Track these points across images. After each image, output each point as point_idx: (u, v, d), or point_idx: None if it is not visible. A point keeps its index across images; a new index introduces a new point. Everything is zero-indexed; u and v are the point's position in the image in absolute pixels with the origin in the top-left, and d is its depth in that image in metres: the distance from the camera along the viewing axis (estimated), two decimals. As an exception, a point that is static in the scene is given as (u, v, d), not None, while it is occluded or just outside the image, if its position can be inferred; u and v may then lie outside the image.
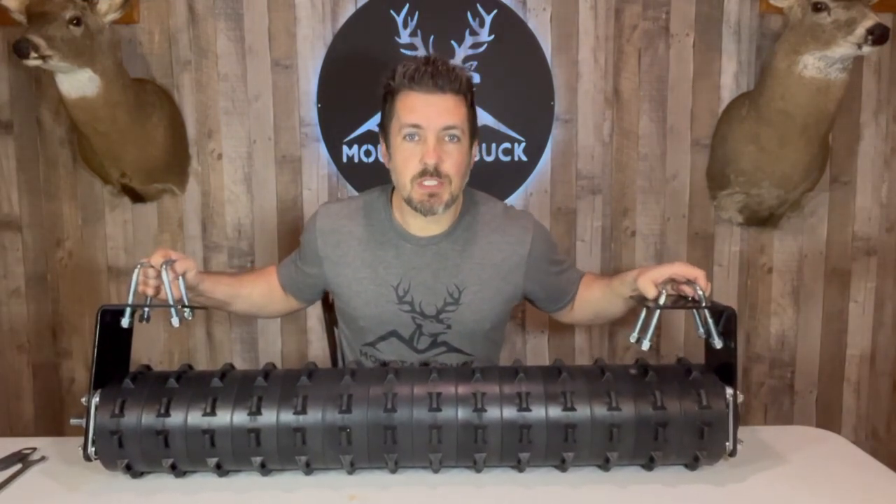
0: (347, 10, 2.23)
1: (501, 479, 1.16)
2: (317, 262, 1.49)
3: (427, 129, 1.31)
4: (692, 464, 1.16)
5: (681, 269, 1.19)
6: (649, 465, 1.16)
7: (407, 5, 2.20)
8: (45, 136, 2.30)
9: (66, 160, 2.30)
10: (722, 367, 1.18)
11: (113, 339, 1.19)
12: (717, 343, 1.13)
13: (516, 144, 2.26)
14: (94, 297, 2.34)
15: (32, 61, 1.78)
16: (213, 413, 1.11)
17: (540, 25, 2.23)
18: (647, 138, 2.28)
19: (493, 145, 2.25)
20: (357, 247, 1.45)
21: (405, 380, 1.16)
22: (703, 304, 1.15)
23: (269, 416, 1.11)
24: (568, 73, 2.25)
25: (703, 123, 2.27)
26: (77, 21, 1.85)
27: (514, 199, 2.28)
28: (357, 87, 2.21)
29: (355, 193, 2.22)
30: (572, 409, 1.11)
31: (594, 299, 1.49)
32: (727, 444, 1.14)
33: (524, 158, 2.27)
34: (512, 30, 2.22)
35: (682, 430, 1.12)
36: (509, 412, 1.11)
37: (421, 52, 2.21)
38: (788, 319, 2.35)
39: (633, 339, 1.13)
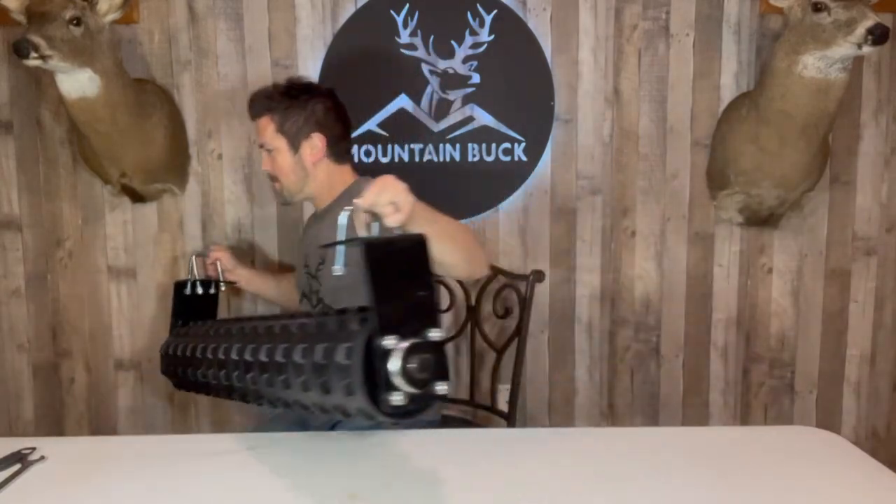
0: (347, 10, 2.23)
1: (502, 478, 1.16)
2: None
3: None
4: None
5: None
6: None
7: (407, 5, 2.20)
8: (45, 136, 2.30)
9: (66, 160, 2.30)
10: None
11: (192, 306, 1.87)
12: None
13: (516, 144, 2.26)
14: (94, 297, 2.34)
15: (32, 61, 1.78)
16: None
17: (540, 25, 2.23)
18: (647, 138, 2.27)
19: (493, 145, 2.25)
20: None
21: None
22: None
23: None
24: (568, 73, 2.25)
25: (703, 123, 2.26)
26: (77, 21, 1.85)
27: (514, 199, 2.28)
28: (357, 87, 2.21)
29: (355, 193, 2.24)
30: None
31: None
32: None
33: (524, 158, 2.26)
34: (512, 30, 2.21)
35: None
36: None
37: (421, 52, 2.21)
38: (788, 319, 2.35)
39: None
